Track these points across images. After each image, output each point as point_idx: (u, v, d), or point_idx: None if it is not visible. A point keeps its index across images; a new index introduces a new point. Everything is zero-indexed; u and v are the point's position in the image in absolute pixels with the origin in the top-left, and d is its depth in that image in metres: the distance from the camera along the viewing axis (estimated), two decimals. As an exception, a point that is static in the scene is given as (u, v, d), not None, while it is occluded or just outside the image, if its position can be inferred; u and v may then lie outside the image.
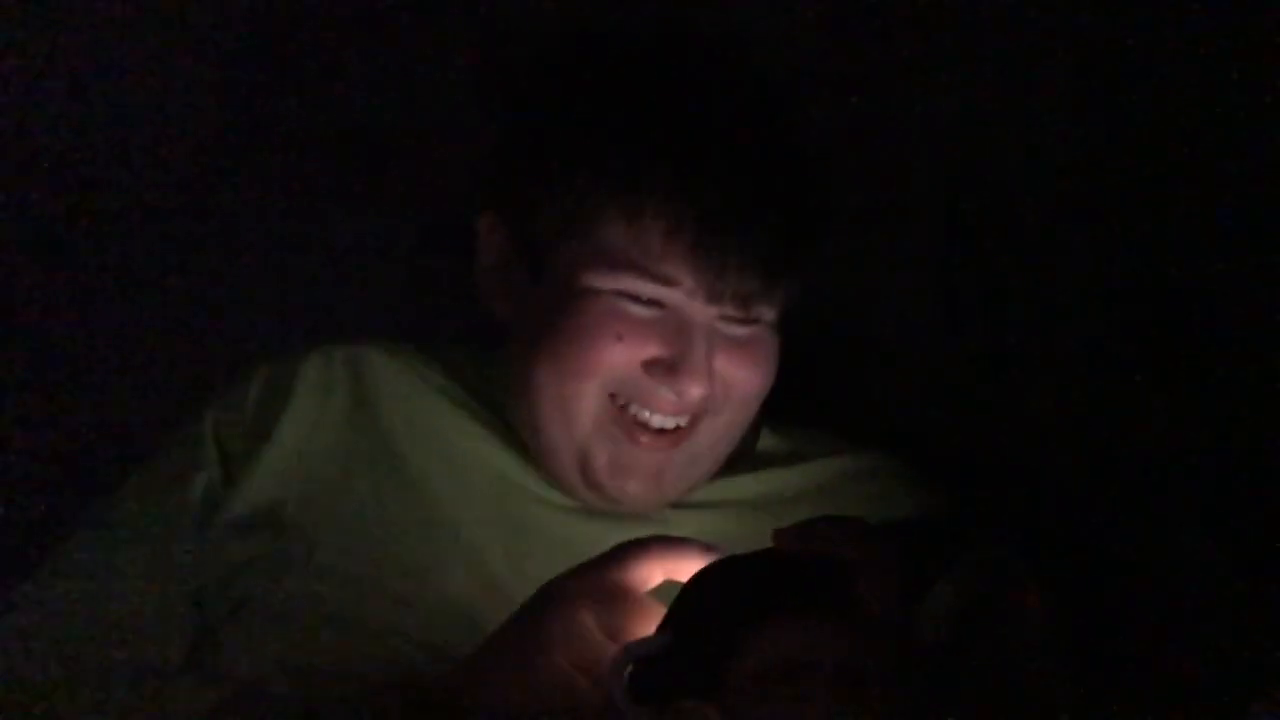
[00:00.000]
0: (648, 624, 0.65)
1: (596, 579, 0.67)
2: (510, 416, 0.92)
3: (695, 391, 0.85)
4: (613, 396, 0.87)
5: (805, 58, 1.06)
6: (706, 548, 0.68)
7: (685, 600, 0.65)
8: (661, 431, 0.87)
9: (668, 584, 0.68)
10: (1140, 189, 0.98)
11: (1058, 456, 1.01)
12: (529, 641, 0.67)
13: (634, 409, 0.87)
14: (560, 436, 0.88)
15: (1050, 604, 0.87)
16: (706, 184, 0.84)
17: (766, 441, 0.98)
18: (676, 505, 0.92)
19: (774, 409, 1.00)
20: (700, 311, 0.86)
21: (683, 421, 0.87)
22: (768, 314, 0.89)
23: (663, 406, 0.86)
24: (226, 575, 0.86)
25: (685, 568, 0.67)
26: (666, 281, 0.84)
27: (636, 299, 0.85)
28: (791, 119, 0.90)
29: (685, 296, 0.85)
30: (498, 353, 0.94)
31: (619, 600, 0.66)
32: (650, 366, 0.86)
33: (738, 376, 0.88)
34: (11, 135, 1.13)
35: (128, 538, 0.88)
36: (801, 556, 0.65)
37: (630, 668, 0.63)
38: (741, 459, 0.96)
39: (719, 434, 0.90)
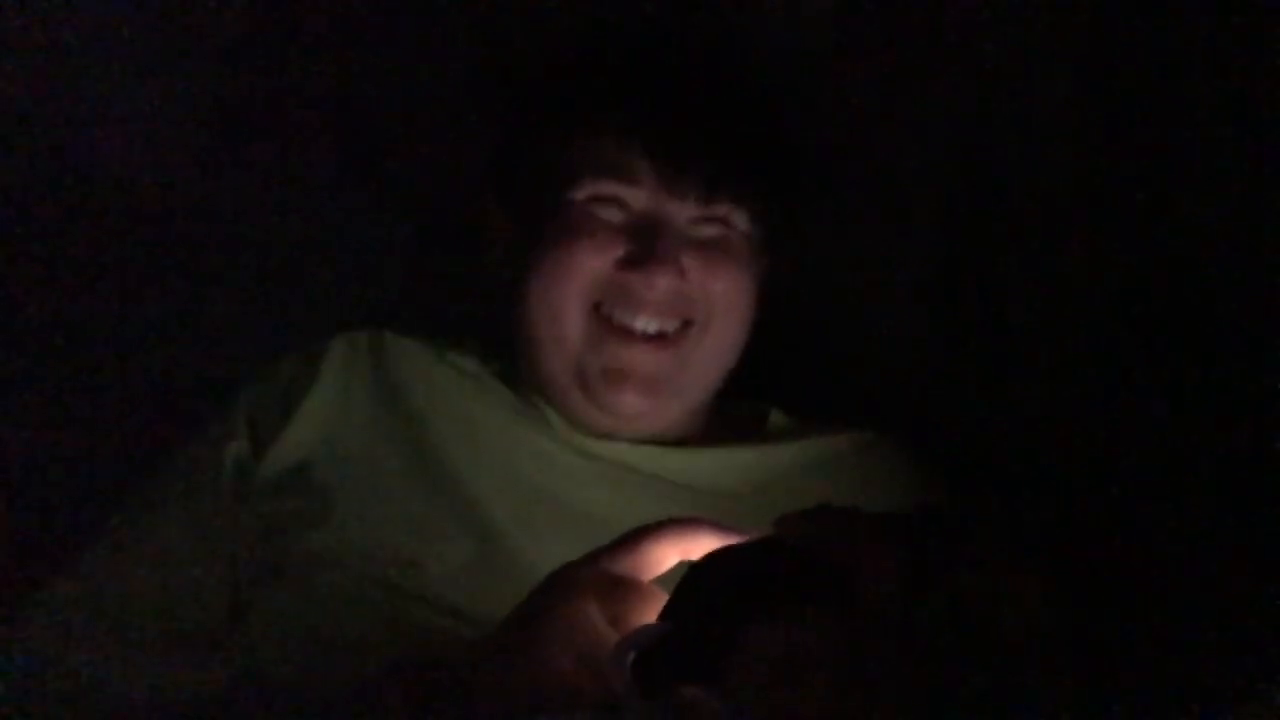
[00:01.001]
0: (654, 612, 0.65)
1: (605, 568, 0.67)
2: (517, 369, 0.98)
3: (663, 281, 0.90)
4: (597, 307, 0.92)
5: (807, 57, 1.06)
6: (719, 528, 0.68)
7: (685, 589, 0.64)
8: (647, 337, 0.92)
9: (682, 566, 0.68)
10: (1141, 188, 0.97)
11: (1058, 456, 1.00)
12: (533, 633, 0.67)
13: (618, 315, 0.92)
14: (555, 352, 0.93)
15: (1050, 598, 0.87)
16: (658, 87, 0.93)
17: (777, 419, 1.02)
18: (687, 452, 0.95)
19: (782, 402, 1.03)
20: (667, 209, 0.92)
21: (667, 326, 0.92)
22: (738, 219, 0.94)
23: (642, 307, 0.91)
24: (259, 537, 0.89)
25: (699, 549, 0.68)
26: (627, 178, 0.91)
27: (607, 202, 0.92)
28: (754, 61, 0.98)
29: (649, 194, 0.91)
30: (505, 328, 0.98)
31: (625, 589, 0.66)
32: (623, 264, 0.91)
33: (712, 278, 0.93)
34: (11, 134, 1.13)
35: (165, 511, 0.92)
36: (802, 545, 0.65)
37: (632, 657, 0.62)
38: (752, 432, 1.00)
39: (710, 348, 0.94)
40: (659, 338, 0.92)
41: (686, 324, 0.93)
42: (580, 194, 0.92)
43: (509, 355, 0.99)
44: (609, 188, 0.92)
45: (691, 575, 0.64)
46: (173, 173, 1.14)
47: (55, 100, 1.13)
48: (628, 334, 0.92)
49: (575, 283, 0.91)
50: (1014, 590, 0.87)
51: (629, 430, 0.95)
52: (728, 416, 1.02)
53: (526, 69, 1.01)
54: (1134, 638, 0.87)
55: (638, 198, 0.92)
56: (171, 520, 0.91)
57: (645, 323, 0.92)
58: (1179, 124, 0.95)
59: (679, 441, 0.97)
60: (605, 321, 0.92)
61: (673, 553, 0.68)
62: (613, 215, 0.92)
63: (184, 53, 1.12)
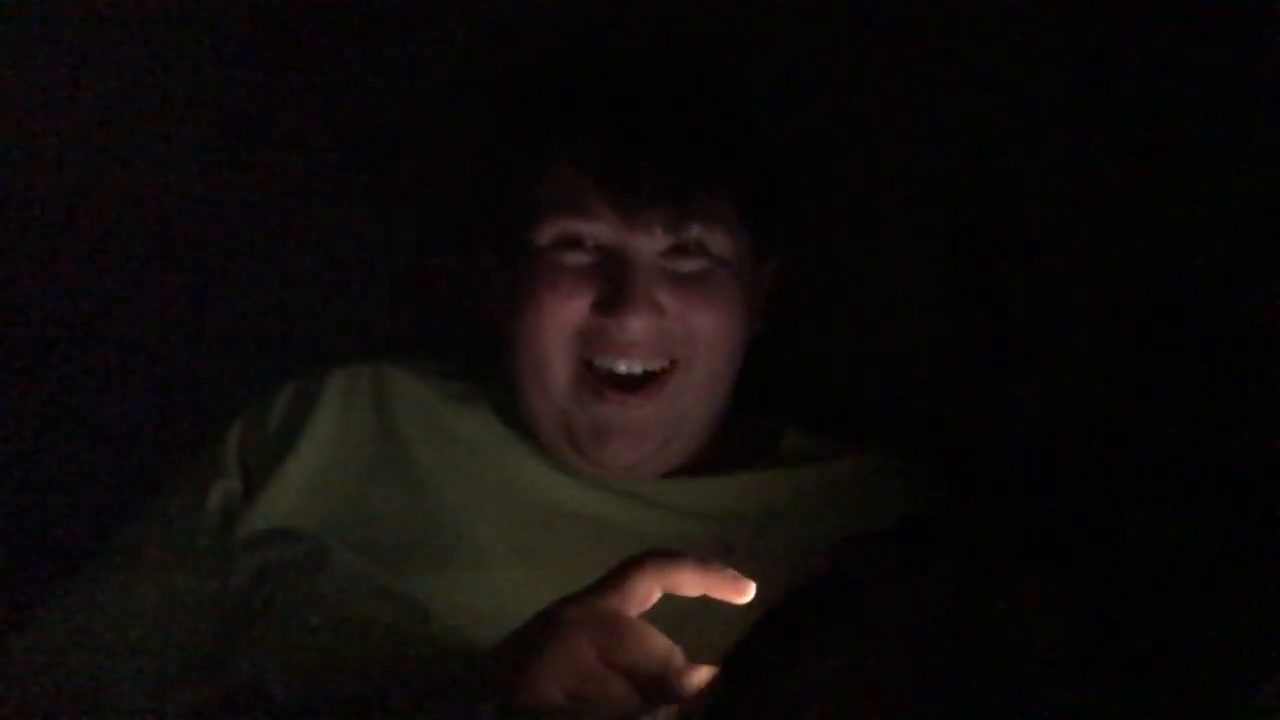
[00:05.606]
0: (645, 647, 0.67)
1: (594, 606, 0.68)
2: (516, 407, 0.94)
3: (635, 323, 0.87)
4: (581, 357, 0.89)
5: (809, 58, 1.06)
6: (702, 561, 0.69)
7: (739, 655, 0.66)
8: (630, 382, 0.89)
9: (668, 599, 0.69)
10: (1142, 188, 0.97)
11: (1060, 455, 1.01)
12: (528, 669, 0.67)
13: (598, 361, 0.88)
14: (542, 404, 0.91)
15: (1052, 600, 0.87)
16: (610, 121, 0.88)
17: (789, 440, 0.99)
18: (691, 481, 0.93)
19: (798, 412, 1.02)
20: (635, 245, 0.88)
21: (650, 366, 0.89)
22: (715, 244, 0.90)
23: (622, 351, 0.88)
24: (248, 582, 0.88)
25: (682, 583, 0.69)
26: (589, 217, 0.87)
27: (574, 245, 0.88)
28: (718, 82, 0.95)
29: (614, 231, 0.88)
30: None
31: (616, 626, 0.67)
32: (597, 308, 0.88)
33: (693, 315, 0.89)
34: (13, 138, 1.12)
35: (151, 550, 0.91)
36: (838, 587, 0.65)
37: None
38: (762, 455, 0.97)
39: (698, 386, 0.91)
40: (645, 381, 0.89)
41: (673, 363, 0.90)
42: (546, 236, 0.89)
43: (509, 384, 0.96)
44: (572, 226, 0.88)
45: (745, 641, 0.65)
46: (174, 177, 1.14)
47: (57, 104, 1.12)
48: (613, 382, 0.89)
49: (556, 333, 0.88)
50: (1023, 595, 0.88)
51: (623, 476, 0.93)
52: (738, 438, 0.99)
53: (496, 98, 0.99)
54: (1135, 637, 0.88)
55: (602, 234, 0.88)
56: (157, 558, 0.90)
57: (629, 366, 0.89)
58: (1180, 125, 0.95)
59: (684, 470, 0.95)
60: (588, 369, 0.89)
61: (656, 587, 0.69)
62: (580, 258, 0.88)
63: (185, 57, 1.11)
